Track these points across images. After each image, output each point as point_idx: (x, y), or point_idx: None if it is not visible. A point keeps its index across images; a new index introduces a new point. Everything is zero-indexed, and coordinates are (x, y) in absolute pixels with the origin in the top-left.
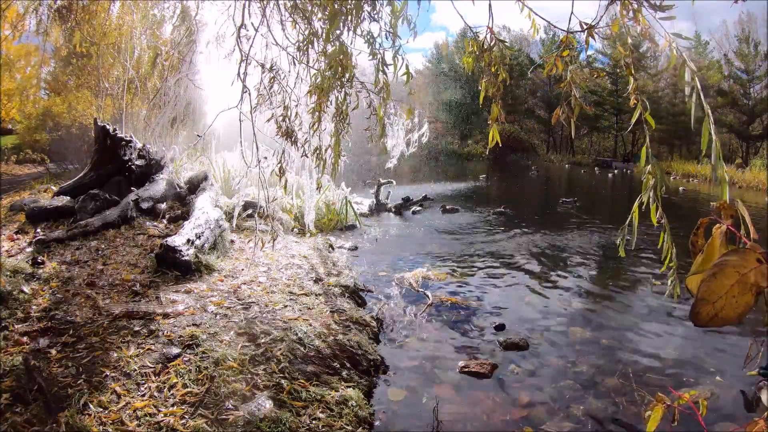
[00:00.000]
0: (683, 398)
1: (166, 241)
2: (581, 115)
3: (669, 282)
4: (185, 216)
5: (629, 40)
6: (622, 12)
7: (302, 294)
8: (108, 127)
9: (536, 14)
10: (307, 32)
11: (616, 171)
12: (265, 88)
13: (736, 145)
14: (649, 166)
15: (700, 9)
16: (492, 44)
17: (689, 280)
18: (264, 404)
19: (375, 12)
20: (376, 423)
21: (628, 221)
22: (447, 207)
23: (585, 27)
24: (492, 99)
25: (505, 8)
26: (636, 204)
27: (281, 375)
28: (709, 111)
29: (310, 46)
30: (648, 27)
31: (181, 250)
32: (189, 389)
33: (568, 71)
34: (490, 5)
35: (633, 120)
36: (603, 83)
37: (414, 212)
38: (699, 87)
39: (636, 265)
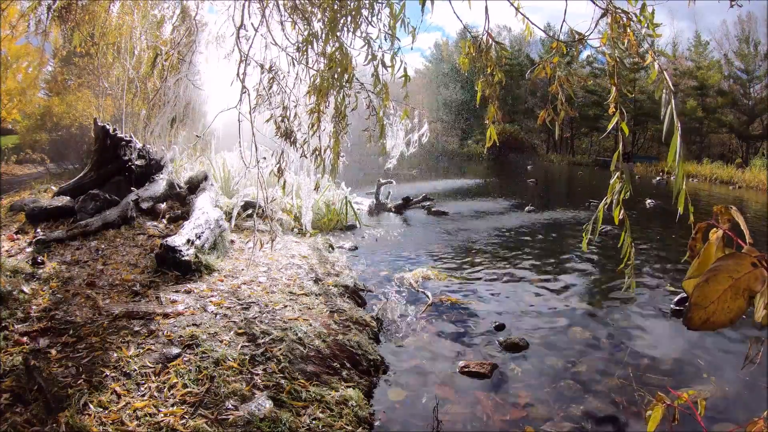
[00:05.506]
0: (683, 398)
1: (166, 241)
2: (581, 116)
3: (626, 278)
4: (185, 216)
5: (616, 53)
6: (613, 25)
7: (302, 294)
8: (108, 127)
9: (529, 20)
10: (306, 33)
11: None
12: (264, 88)
13: (736, 145)
14: (618, 172)
15: (700, 9)
16: (488, 46)
17: (686, 283)
18: (264, 404)
19: (374, 14)
20: (376, 423)
21: (592, 219)
22: (437, 209)
23: (577, 38)
24: (489, 100)
25: (506, 9)
26: (601, 204)
27: (281, 375)
28: (679, 126)
29: (309, 46)
30: (635, 43)
31: (181, 250)
32: (189, 389)
33: (556, 76)
34: (486, 8)
35: (609, 126)
36: (603, 83)
37: (409, 206)
38: (674, 105)
39: (637, 266)
